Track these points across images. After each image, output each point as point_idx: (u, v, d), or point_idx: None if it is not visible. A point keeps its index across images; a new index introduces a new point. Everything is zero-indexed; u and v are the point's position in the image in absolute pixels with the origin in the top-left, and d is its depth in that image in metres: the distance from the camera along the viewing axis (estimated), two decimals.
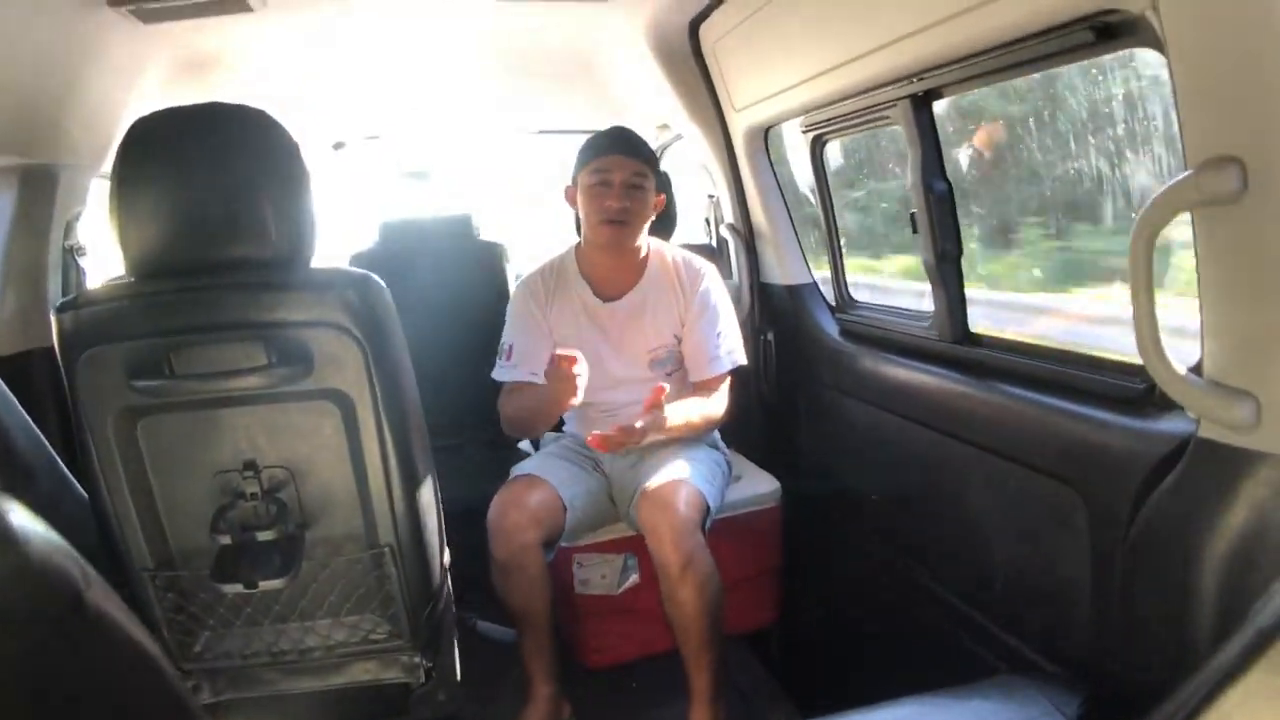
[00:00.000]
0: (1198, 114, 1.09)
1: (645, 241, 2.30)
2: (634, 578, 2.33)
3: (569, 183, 2.29)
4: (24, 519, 0.40)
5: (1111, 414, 1.42)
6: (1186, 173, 1.07)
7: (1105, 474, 1.40)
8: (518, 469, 2.22)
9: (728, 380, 2.29)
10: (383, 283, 1.50)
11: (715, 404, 2.25)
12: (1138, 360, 1.23)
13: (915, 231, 1.90)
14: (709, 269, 2.32)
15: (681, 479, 2.08)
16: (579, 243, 2.36)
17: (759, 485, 2.48)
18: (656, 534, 1.99)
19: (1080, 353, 1.60)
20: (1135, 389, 1.40)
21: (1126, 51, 1.43)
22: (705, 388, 2.27)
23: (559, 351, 1.93)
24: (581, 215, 2.26)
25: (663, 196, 2.29)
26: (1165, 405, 1.32)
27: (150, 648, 0.46)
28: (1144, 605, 1.31)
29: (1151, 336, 1.15)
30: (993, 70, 1.60)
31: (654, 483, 2.06)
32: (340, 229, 3.59)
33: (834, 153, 2.49)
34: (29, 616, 0.39)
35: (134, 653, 0.45)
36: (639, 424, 1.98)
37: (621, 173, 2.17)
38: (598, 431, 1.96)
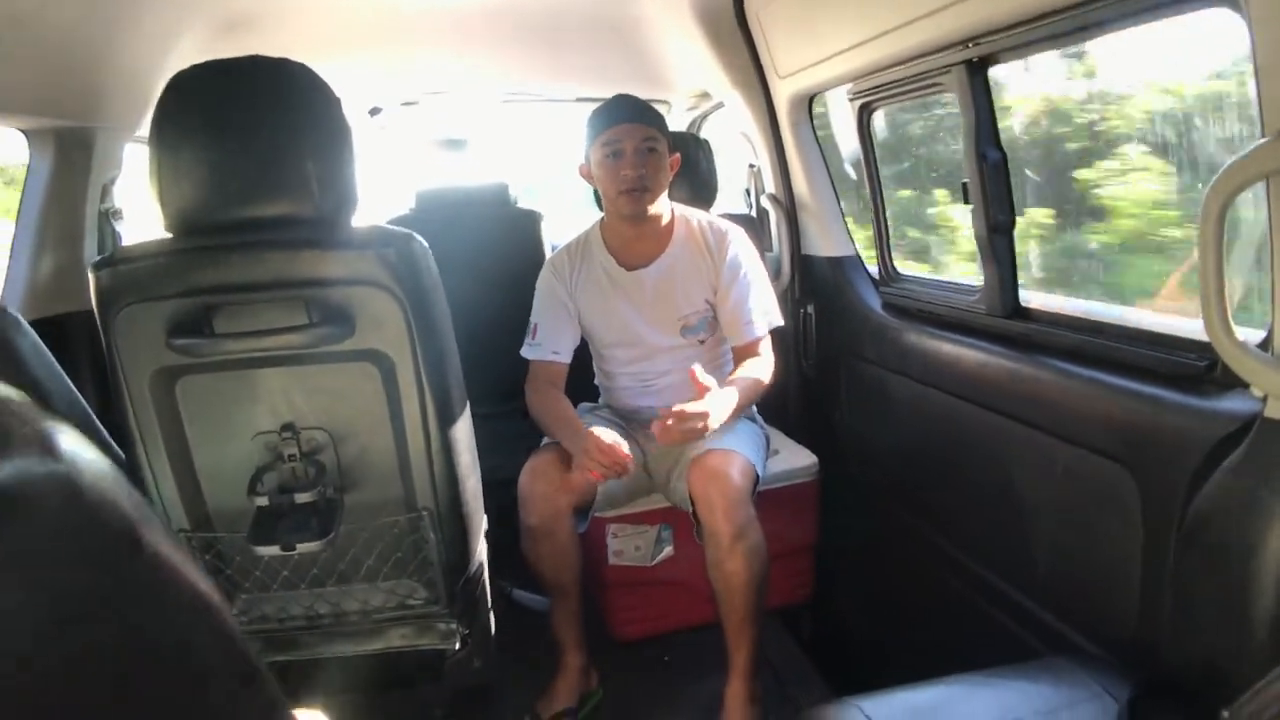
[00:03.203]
0: (1278, 79, 1.04)
1: (668, 207, 2.27)
2: (668, 550, 2.32)
3: (582, 160, 2.26)
4: (75, 443, 0.38)
5: (1169, 391, 1.39)
6: (1263, 139, 1.03)
7: (1161, 454, 1.37)
8: (550, 438, 2.22)
9: (768, 340, 2.27)
10: (424, 241, 1.48)
11: (760, 369, 2.21)
12: (1198, 335, 1.19)
13: (967, 201, 1.86)
14: (735, 231, 2.29)
15: (734, 449, 2.06)
16: (602, 216, 2.34)
17: (796, 460, 2.45)
18: (709, 503, 1.97)
19: (1137, 327, 1.55)
20: (1195, 365, 1.36)
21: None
22: (745, 352, 2.24)
23: (618, 447, 1.95)
24: (600, 189, 2.24)
25: (678, 156, 2.26)
26: (1228, 383, 1.29)
27: (210, 594, 0.44)
28: (1198, 591, 1.28)
29: (1219, 309, 1.12)
30: (1053, 35, 1.55)
31: (705, 451, 2.04)
32: (375, 196, 3.59)
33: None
34: (81, 553, 0.36)
35: (193, 598, 0.43)
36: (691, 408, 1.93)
37: (632, 140, 2.13)
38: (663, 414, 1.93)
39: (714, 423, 1.95)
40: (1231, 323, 1.13)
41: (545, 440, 2.20)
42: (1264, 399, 1.16)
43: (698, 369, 1.98)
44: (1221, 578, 1.21)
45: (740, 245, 2.27)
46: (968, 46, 1.73)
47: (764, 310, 2.26)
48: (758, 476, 2.10)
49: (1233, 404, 1.27)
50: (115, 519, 0.38)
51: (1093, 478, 1.54)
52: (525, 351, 2.27)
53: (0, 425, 0.34)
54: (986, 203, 1.81)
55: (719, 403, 1.98)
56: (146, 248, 1.43)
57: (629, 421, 2.31)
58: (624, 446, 1.97)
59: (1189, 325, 1.40)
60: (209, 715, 0.43)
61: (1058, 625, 1.66)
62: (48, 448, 0.36)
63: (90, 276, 1.41)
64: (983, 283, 1.90)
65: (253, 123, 1.39)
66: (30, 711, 0.33)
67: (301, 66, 1.43)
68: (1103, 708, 1.30)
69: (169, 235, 1.44)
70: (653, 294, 2.24)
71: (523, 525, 2.06)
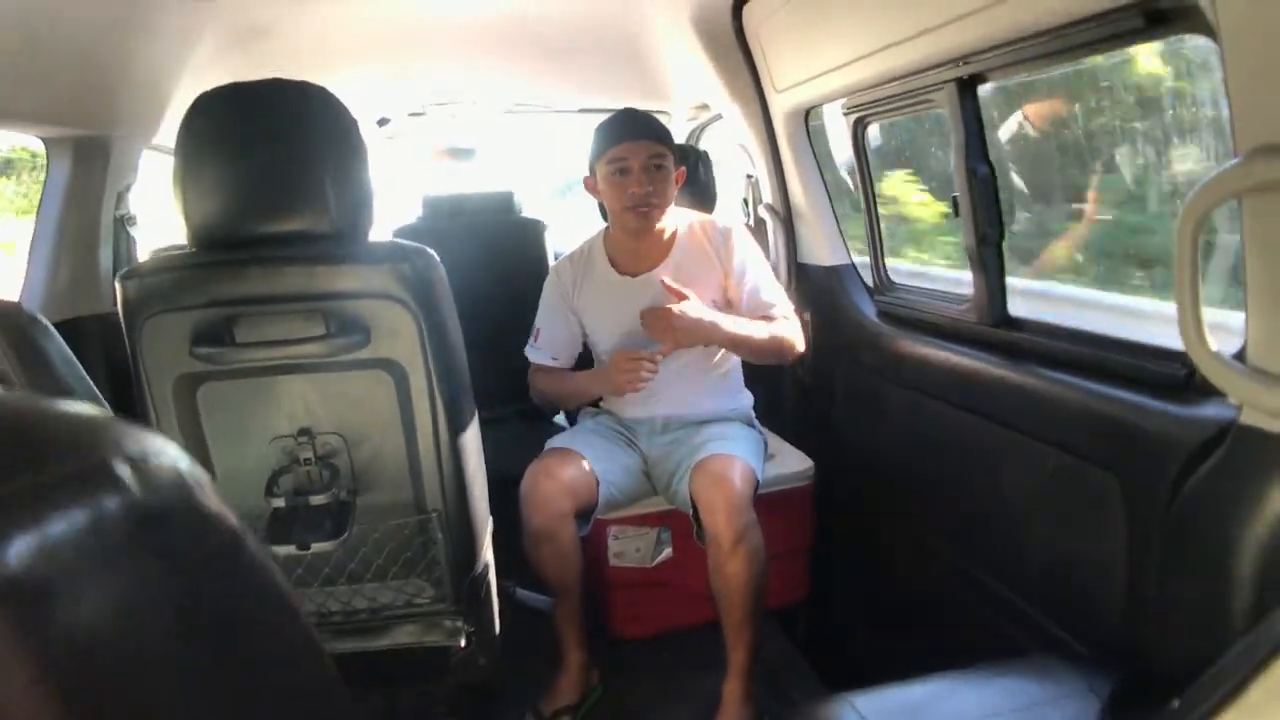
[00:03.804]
0: (1249, 100, 1.09)
1: (672, 216, 2.30)
2: (667, 551, 2.37)
3: (587, 173, 2.30)
4: (190, 463, 0.44)
5: (1151, 399, 1.42)
6: (1236, 159, 1.08)
7: (1144, 458, 1.40)
8: (552, 442, 2.26)
9: (792, 310, 2.33)
10: (436, 256, 1.54)
11: (785, 324, 2.28)
12: (1179, 346, 1.24)
13: (956, 214, 1.90)
14: (734, 226, 2.33)
15: (735, 454, 2.10)
16: (606, 226, 2.38)
17: (792, 463, 2.49)
18: (711, 507, 2.01)
19: (1120, 338, 1.60)
20: (1176, 375, 1.40)
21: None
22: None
23: (645, 352, 2.09)
24: (606, 203, 2.28)
25: (683, 169, 2.30)
26: (1206, 391, 1.32)
27: (293, 596, 0.50)
28: (1180, 590, 1.31)
29: (1194, 321, 1.16)
30: (1039, 55, 1.60)
31: (708, 456, 2.09)
32: (382, 203, 3.62)
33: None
34: (203, 553, 0.42)
35: (281, 595, 0.49)
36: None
37: (639, 158, 2.16)
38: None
39: (690, 314, 2.08)
40: (1207, 335, 1.17)
41: (549, 444, 2.24)
42: (1239, 407, 1.21)
43: (667, 279, 2.13)
44: (1200, 578, 1.24)
45: (744, 242, 2.31)
46: (958, 65, 1.77)
47: (778, 296, 2.33)
48: (758, 480, 2.14)
49: (1211, 411, 1.30)
50: (225, 526, 0.44)
51: (1079, 481, 1.57)
52: (528, 351, 2.36)
53: (139, 450, 0.40)
54: (975, 216, 1.85)
55: (696, 306, 2.10)
56: (171, 260, 1.48)
57: (630, 430, 2.35)
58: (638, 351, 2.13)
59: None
60: (289, 689, 0.49)
61: (1046, 624, 1.68)
62: (177, 469, 0.42)
63: (118, 287, 1.46)
64: (973, 292, 1.95)
65: (274, 142, 1.45)
66: (166, 671, 0.39)
67: (320, 89, 1.48)
68: (1085, 704, 1.33)
69: (190, 247, 1.50)
70: (655, 299, 2.26)
71: (525, 528, 2.10)
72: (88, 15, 1.81)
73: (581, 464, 2.14)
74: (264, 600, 0.48)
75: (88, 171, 2.09)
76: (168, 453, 0.42)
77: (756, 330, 2.21)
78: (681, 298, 2.08)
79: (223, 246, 1.46)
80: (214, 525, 0.44)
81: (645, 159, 2.16)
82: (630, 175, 2.17)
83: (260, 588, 0.47)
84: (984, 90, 1.86)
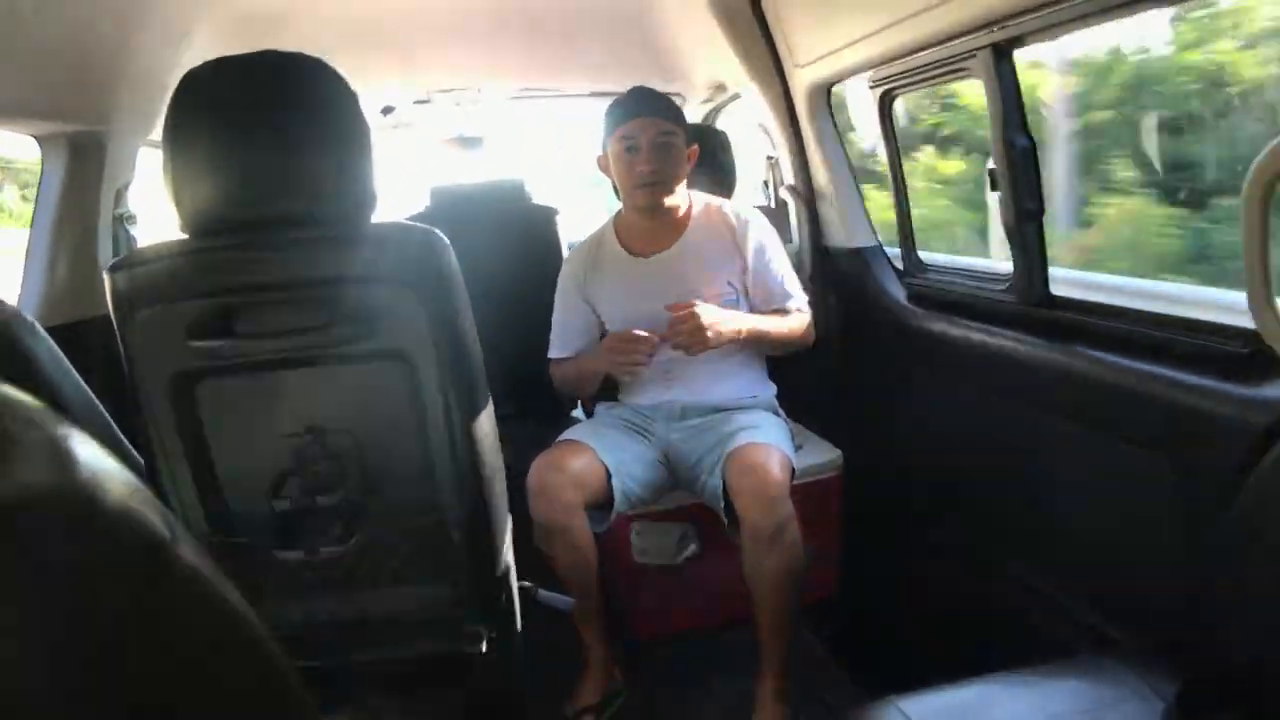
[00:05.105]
0: None
1: (686, 196, 2.28)
2: (693, 548, 2.30)
3: (600, 152, 2.28)
4: (95, 454, 0.34)
5: (1211, 379, 1.35)
6: None
7: (1203, 443, 1.34)
8: (562, 435, 2.22)
9: (805, 305, 2.30)
10: (446, 239, 1.45)
11: (800, 317, 2.28)
12: (1240, 322, 1.16)
13: (994, 188, 1.82)
14: (753, 215, 2.31)
15: (772, 443, 2.05)
16: (619, 210, 2.36)
17: (820, 454, 2.42)
18: (748, 498, 1.96)
19: (1175, 315, 1.52)
20: (1238, 352, 1.33)
21: None
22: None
23: (640, 332, 2.07)
24: (617, 181, 2.26)
25: (696, 147, 2.28)
26: (1273, 369, 1.24)
27: (247, 612, 0.40)
28: (1245, 584, 1.25)
29: (1263, 292, 1.08)
30: (1082, 15, 1.51)
31: (742, 445, 2.04)
32: (390, 194, 3.57)
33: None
34: (101, 573, 0.32)
35: (229, 618, 0.39)
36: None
37: (648, 134, 2.15)
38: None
39: (708, 320, 2.04)
40: (1278, 307, 1.09)
41: (559, 438, 2.20)
42: None
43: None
44: (1265, 572, 1.18)
45: (764, 229, 2.29)
46: (993, 29, 1.69)
47: (796, 288, 2.30)
48: (794, 470, 2.08)
49: (1278, 391, 1.23)
50: (143, 536, 0.34)
51: (1131, 469, 1.50)
52: (550, 350, 2.35)
53: (3, 432, 0.30)
54: (1015, 190, 1.77)
55: (714, 310, 2.09)
56: (163, 249, 1.40)
57: (647, 417, 2.29)
58: (635, 330, 2.10)
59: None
60: None
61: (1095, 621, 1.62)
62: (61, 459, 0.32)
63: (106, 279, 1.38)
64: (1012, 271, 1.86)
65: (268, 119, 1.36)
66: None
67: (317, 61, 1.39)
68: (1149, 706, 1.27)
69: (184, 236, 1.42)
70: (669, 278, 2.22)
71: (534, 523, 2.05)
72: (79, 5, 1.74)
73: (590, 455, 2.10)
74: (207, 627, 0.37)
75: (84, 169, 2.03)
76: (44, 429, 0.32)
77: (774, 324, 2.21)
78: (688, 306, 2.07)
79: (218, 232, 1.38)
80: (125, 535, 0.33)
81: (654, 135, 2.15)
82: (639, 152, 2.15)
83: (200, 611, 0.37)
84: None
